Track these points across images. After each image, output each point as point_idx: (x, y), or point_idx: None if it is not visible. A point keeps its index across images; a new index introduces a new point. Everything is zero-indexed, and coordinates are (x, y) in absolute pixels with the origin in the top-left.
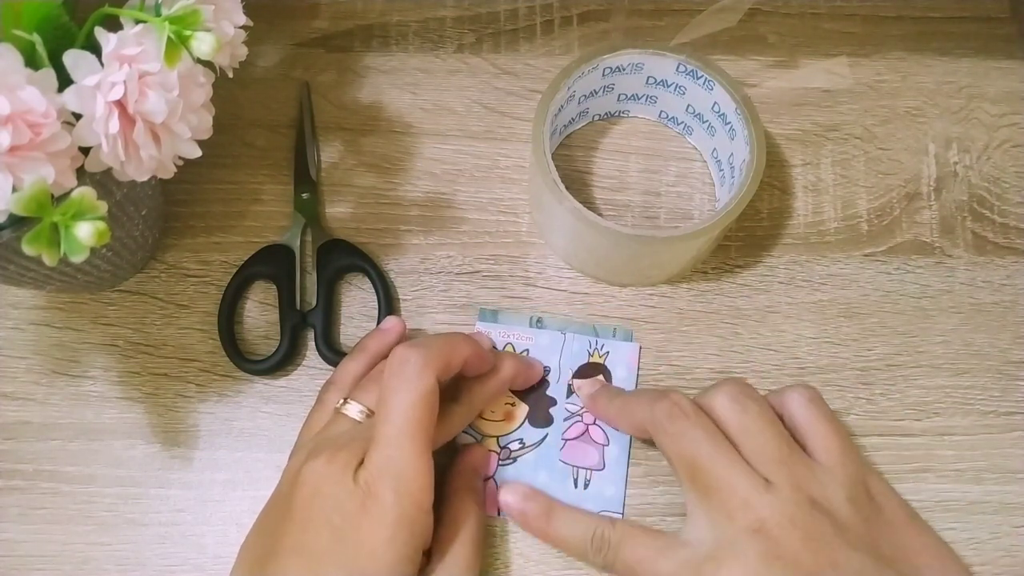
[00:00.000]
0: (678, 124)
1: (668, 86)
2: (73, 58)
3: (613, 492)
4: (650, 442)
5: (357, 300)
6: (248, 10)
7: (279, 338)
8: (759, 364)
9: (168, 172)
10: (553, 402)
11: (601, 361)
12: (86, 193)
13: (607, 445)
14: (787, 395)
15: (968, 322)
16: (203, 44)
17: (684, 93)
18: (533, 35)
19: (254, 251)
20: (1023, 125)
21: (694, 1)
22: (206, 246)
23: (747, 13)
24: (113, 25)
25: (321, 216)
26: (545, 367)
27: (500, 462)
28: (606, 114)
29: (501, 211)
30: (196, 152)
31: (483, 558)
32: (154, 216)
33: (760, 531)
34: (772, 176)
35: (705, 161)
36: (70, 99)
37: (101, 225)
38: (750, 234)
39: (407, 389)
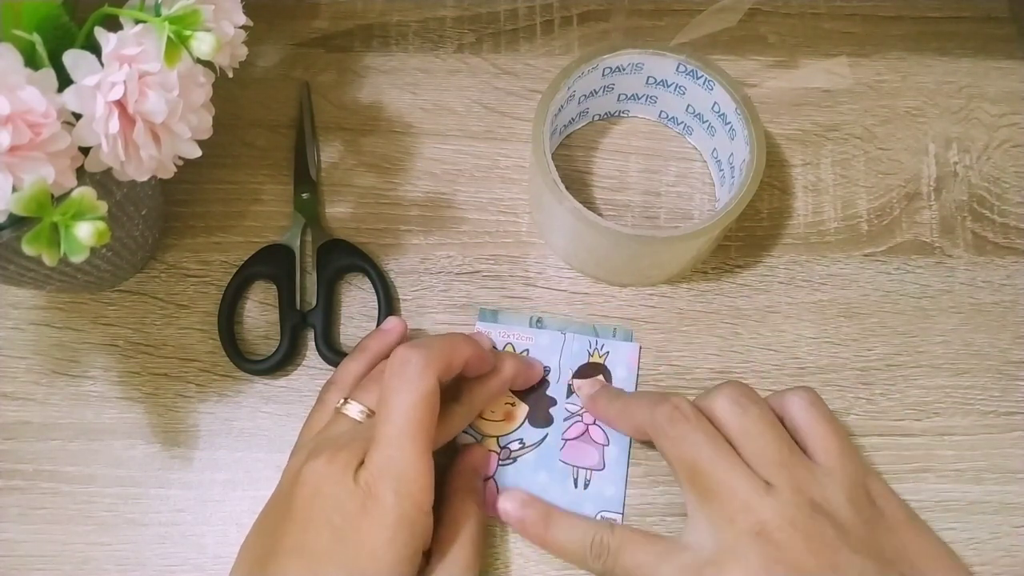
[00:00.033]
0: (678, 124)
1: (668, 86)
2: (73, 58)
3: (613, 492)
4: (650, 443)
5: (357, 300)
6: (248, 10)
7: (279, 338)
8: (759, 364)
9: (168, 172)
10: (553, 402)
11: (601, 361)
12: (86, 193)
13: (607, 445)
14: (787, 397)
15: (968, 322)
16: (203, 44)
17: (684, 93)
18: (533, 35)
19: (254, 251)
20: (1023, 125)
21: (694, 1)
22: (206, 246)
23: (747, 13)
24: (113, 25)
25: (321, 216)
26: (545, 367)
27: (500, 462)
28: (606, 114)
29: (501, 211)
30: (196, 152)
31: (483, 558)
32: (154, 216)
33: (761, 534)
34: (772, 176)
35: (705, 161)
36: (70, 99)
37: (101, 225)
38: (750, 234)
39: (408, 389)
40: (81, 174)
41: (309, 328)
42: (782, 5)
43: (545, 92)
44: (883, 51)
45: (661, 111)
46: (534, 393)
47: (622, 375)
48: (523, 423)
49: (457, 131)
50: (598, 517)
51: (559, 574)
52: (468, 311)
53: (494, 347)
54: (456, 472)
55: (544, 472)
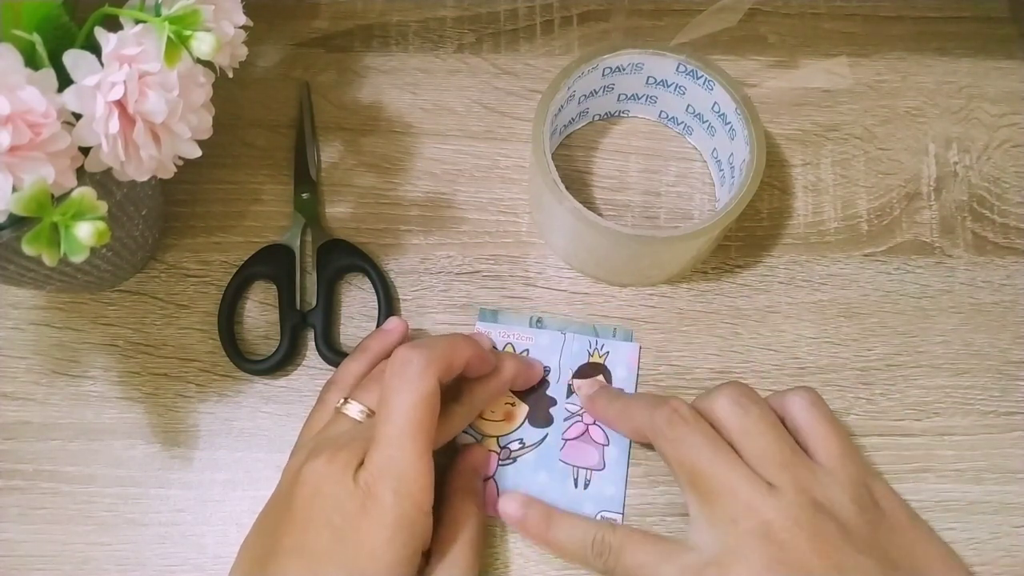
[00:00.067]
0: (678, 124)
1: (668, 86)
2: (73, 58)
3: (613, 492)
4: (649, 445)
5: (357, 300)
6: (248, 10)
7: (279, 338)
8: (759, 364)
9: (168, 172)
10: (553, 402)
11: (601, 361)
12: (86, 193)
13: (607, 445)
14: (788, 398)
15: (968, 322)
16: (203, 44)
17: (684, 93)
18: (533, 35)
19: (254, 251)
20: (1023, 125)
21: (694, 1)
22: (206, 246)
23: (747, 13)
24: (113, 25)
25: (321, 216)
26: (545, 367)
27: (500, 462)
28: (606, 114)
29: (501, 211)
30: (196, 152)
31: (483, 559)
32: (154, 216)
33: (766, 535)
34: (772, 176)
35: (705, 161)
36: (70, 99)
37: (101, 225)
38: (750, 234)
39: (408, 390)
40: (81, 174)
41: (309, 328)
42: (782, 5)
43: (545, 92)
44: (883, 51)
45: (661, 111)
46: (534, 393)
47: (622, 375)
48: (523, 423)
49: (457, 131)
50: (598, 517)
51: (559, 574)
52: (468, 311)
53: (494, 347)
54: (456, 472)
55: (544, 472)
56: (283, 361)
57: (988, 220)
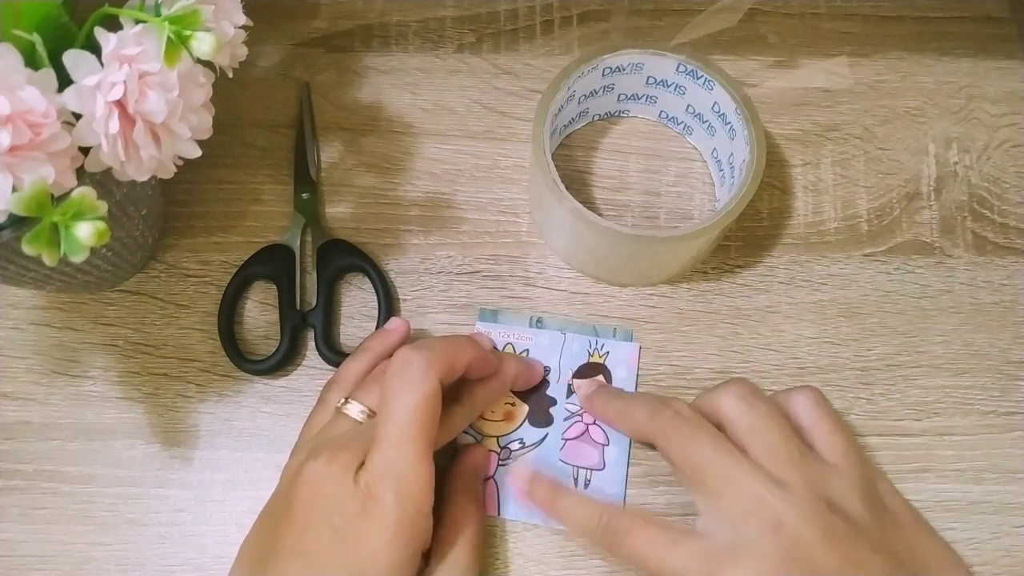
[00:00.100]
0: (678, 124)
1: (668, 86)
2: (73, 58)
3: (613, 492)
4: (650, 445)
5: (357, 300)
6: (248, 10)
7: (279, 338)
8: (759, 364)
9: (168, 172)
10: (553, 402)
11: (601, 361)
12: (86, 193)
13: (607, 445)
14: (792, 396)
15: (968, 322)
16: (203, 44)
17: (684, 93)
18: (533, 35)
19: (254, 251)
20: (1023, 125)
21: (694, 1)
22: (206, 246)
23: (747, 13)
24: (113, 25)
25: (321, 216)
26: (545, 367)
27: (500, 462)
28: (606, 114)
29: (501, 211)
30: (196, 152)
31: (482, 560)
32: (154, 216)
33: (778, 529)
34: (772, 176)
35: (705, 161)
36: (70, 99)
37: (101, 225)
38: (750, 234)
39: (410, 391)
40: (81, 174)
41: (309, 328)
42: (782, 5)
43: (545, 92)
44: (883, 51)
45: (661, 111)
46: (534, 393)
47: (622, 375)
48: (523, 423)
49: (457, 131)
50: None
51: (559, 574)
52: (468, 311)
53: (495, 348)
54: (456, 473)
55: (544, 472)
56: (283, 361)
57: (988, 220)
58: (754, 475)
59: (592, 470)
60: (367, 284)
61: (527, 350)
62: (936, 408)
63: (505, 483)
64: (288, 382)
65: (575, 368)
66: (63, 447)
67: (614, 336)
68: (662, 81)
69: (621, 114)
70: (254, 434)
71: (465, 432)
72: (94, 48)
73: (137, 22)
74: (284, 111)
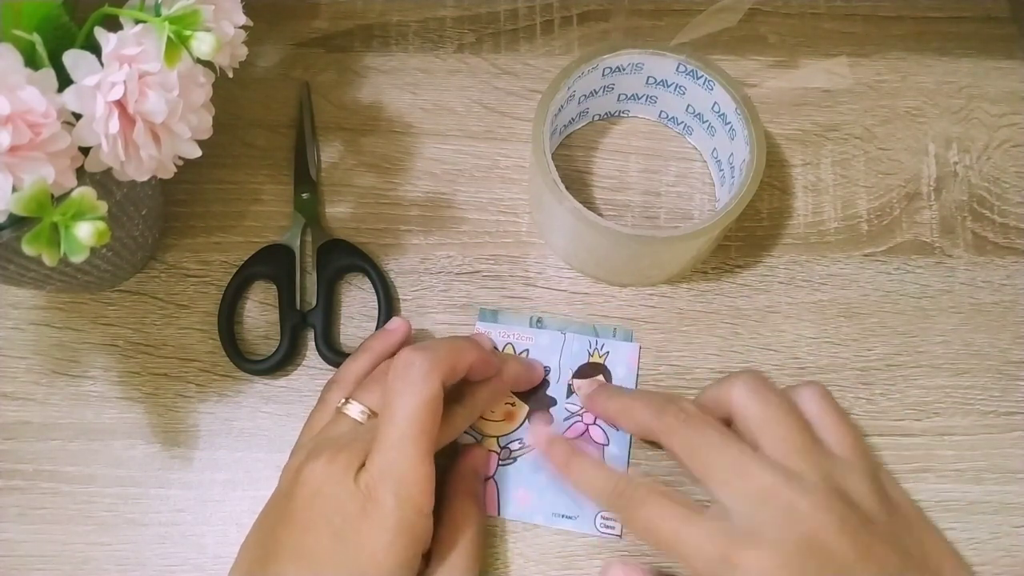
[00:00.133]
0: (678, 124)
1: (668, 86)
2: (73, 58)
3: None
4: (651, 442)
5: (357, 300)
6: (248, 10)
7: (279, 338)
8: (759, 364)
9: (168, 172)
10: (553, 402)
11: (601, 361)
12: (86, 193)
13: (607, 445)
14: (799, 391)
15: (968, 322)
16: (203, 44)
17: (684, 93)
18: (533, 35)
19: (254, 251)
20: (1023, 125)
21: (694, 1)
22: (206, 246)
23: (747, 13)
24: (113, 25)
25: (321, 216)
26: (545, 367)
27: (500, 462)
28: (606, 114)
29: (501, 211)
30: (196, 152)
31: (483, 561)
32: (154, 216)
33: (794, 517)
34: (772, 176)
35: (705, 161)
36: (70, 99)
37: (101, 225)
38: (750, 234)
39: (412, 393)
40: (81, 174)
41: (309, 328)
42: (782, 5)
43: (545, 92)
44: (883, 51)
45: (661, 111)
46: (534, 393)
47: (622, 375)
48: (523, 423)
49: (457, 131)
50: (598, 517)
51: (559, 574)
52: (468, 311)
53: (495, 348)
54: (457, 474)
55: (544, 472)
56: (283, 361)
57: (988, 220)
58: (765, 466)
59: None
60: (367, 284)
61: (527, 350)
62: (936, 408)
63: (525, 439)
64: (288, 382)
65: (575, 368)
66: (63, 447)
67: (614, 336)
68: (662, 81)
69: (621, 114)
70: (254, 434)
71: (465, 432)
72: (94, 48)
73: (137, 22)
74: (284, 111)
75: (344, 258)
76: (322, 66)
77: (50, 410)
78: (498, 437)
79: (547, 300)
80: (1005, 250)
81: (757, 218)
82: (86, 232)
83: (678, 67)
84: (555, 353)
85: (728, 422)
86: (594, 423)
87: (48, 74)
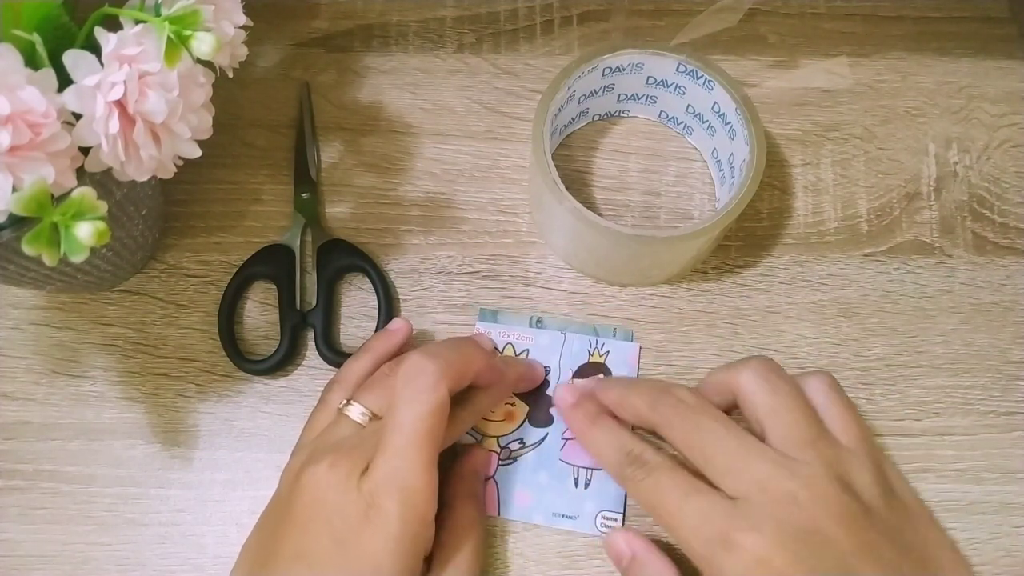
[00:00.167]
0: (678, 124)
1: (668, 86)
2: (73, 58)
3: (614, 491)
4: (652, 432)
5: (357, 300)
6: (248, 10)
7: (279, 338)
8: None
9: (168, 172)
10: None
11: (601, 361)
12: (86, 193)
13: None
14: (807, 380)
15: (968, 322)
16: (203, 44)
17: (684, 93)
18: (533, 35)
19: (254, 251)
20: (1023, 125)
21: (694, 1)
22: (206, 246)
23: (747, 13)
24: (113, 25)
25: (321, 216)
26: (545, 367)
27: (500, 462)
28: (606, 114)
29: (501, 211)
30: (196, 152)
31: (483, 563)
32: (154, 216)
33: (795, 504)
34: (772, 176)
35: (705, 161)
36: (70, 99)
37: (101, 225)
38: (750, 234)
39: (420, 400)
40: (81, 174)
41: (309, 328)
42: (782, 5)
43: (545, 92)
44: (883, 51)
45: (661, 111)
46: (534, 393)
47: (622, 375)
48: (523, 423)
49: (457, 131)
50: (599, 517)
51: (559, 574)
52: (468, 311)
53: (495, 349)
54: (458, 475)
55: (544, 472)
56: (283, 361)
57: (988, 220)
58: (766, 454)
59: (592, 469)
60: (367, 284)
61: (527, 350)
62: (936, 408)
63: (554, 397)
64: (288, 382)
65: (575, 368)
66: (63, 447)
67: (614, 336)
68: (662, 81)
69: (621, 114)
70: (254, 434)
71: (466, 432)
72: (94, 48)
73: (137, 22)
74: (284, 111)
75: (344, 258)
76: (322, 66)
77: (50, 410)
78: (498, 437)
79: (547, 300)
80: (1005, 250)
81: (757, 218)
82: (86, 232)
83: (678, 67)
84: (555, 353)
85: (734, 406)
86: None
87: (48, 74)
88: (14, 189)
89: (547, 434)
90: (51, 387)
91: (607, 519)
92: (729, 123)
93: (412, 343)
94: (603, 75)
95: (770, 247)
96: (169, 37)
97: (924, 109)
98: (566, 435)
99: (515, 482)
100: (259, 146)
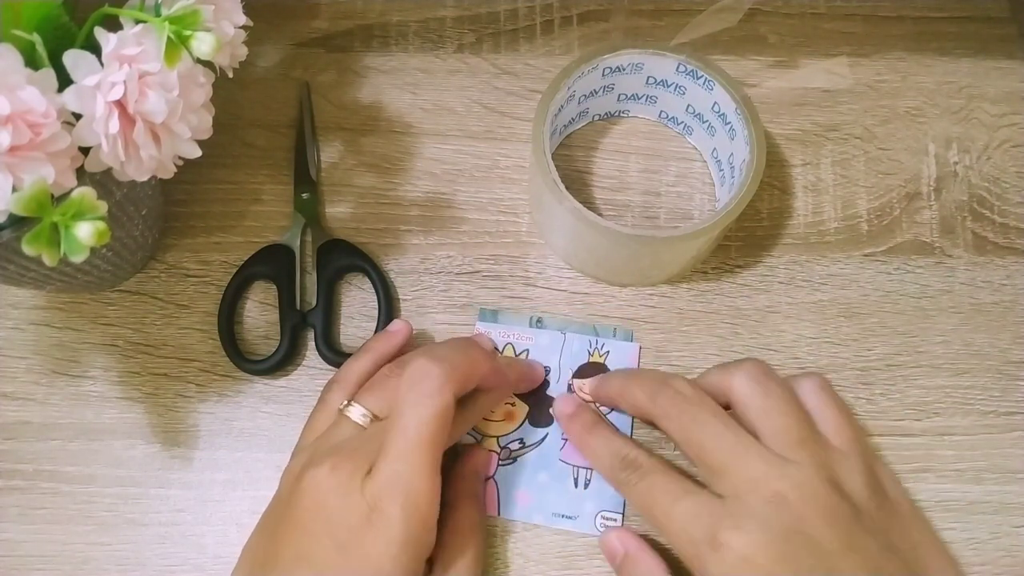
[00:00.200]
0: (678, 124)
1: (668, 86)
2: (73, 58)
3: (613, 492)
4: (652, 423)
5: (357, 300)
6: (248, 10)
7: (279, 338)
8: None
9: (168, 172)
10: (553, 402)
11: (601, 360)
12: (86, 193)
13: None
14: (800, 382)
15: (968, 322)
16: (203, 44)
17: (684, 93)
18: (533, 35)
19: (254, 251)
20: (1023, 125)
21: (694, 1)
22: (206, 246)
23: (747, 13)
24: (113, 25)
25: (321, 216)
26: (545, 367)
27: (500, 462)
28: (606, 114)
29: (501, 211)
30: (196, 152)
31: (484, 564)
32: (154, 216)
33: (783, 505)
34: (772, 176)
35: (705, 161)
36: (70, 99)
37: (101, 225)
38: (750, 234)
39: (425, 404)
40: (81, 174)
41: (309, 328)
42: (782, 5)
43: (545, 92)
44: (883, 51)
45: (661, 111)
46: (535, 393)
47: None
48: (523, 423)
49: (457, 131)
50: (598, 517)
51: (559, 574)
52: (468, 311)
53: (495, 348)
54: (459, 476)
55: (544, 472)
56: (283, 361)
57: (988, 220)
58: (759, 453)
59: (592, 469)
60: (367, 284)
61: (527, 350)
62: (936, 408)
63: (554, 407)
64: (288, 382)
65: (575, 368)
66: (63, 447)
67: (614, 336)
68: (662, 81)
69: (621, 114)
70: (254, 434)
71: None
72: (94, 48)
73: (137, 22)
74: (284, 111)
75: (344, 258)
76: (322, 66)
77: (50, 410)
78: (498, 437)
79: (547, 300)
80: (1005, 250)
81: (757, 218)
82: (86, 232)
83: (678, 67)
84: (555, 353)
85: (726, 408)
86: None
87: (48, 74)
88: (14, 189)
89: (547, 434)
90: (51, 387)
91: (607, 519)
92: (729, 123)
93: (412, 344)
94: (603, 75)
95: (770, 247)
96: (169, 37)
97: (924, 109)
98: (566, 435)
99: (515, 482)
100: (259, 146)
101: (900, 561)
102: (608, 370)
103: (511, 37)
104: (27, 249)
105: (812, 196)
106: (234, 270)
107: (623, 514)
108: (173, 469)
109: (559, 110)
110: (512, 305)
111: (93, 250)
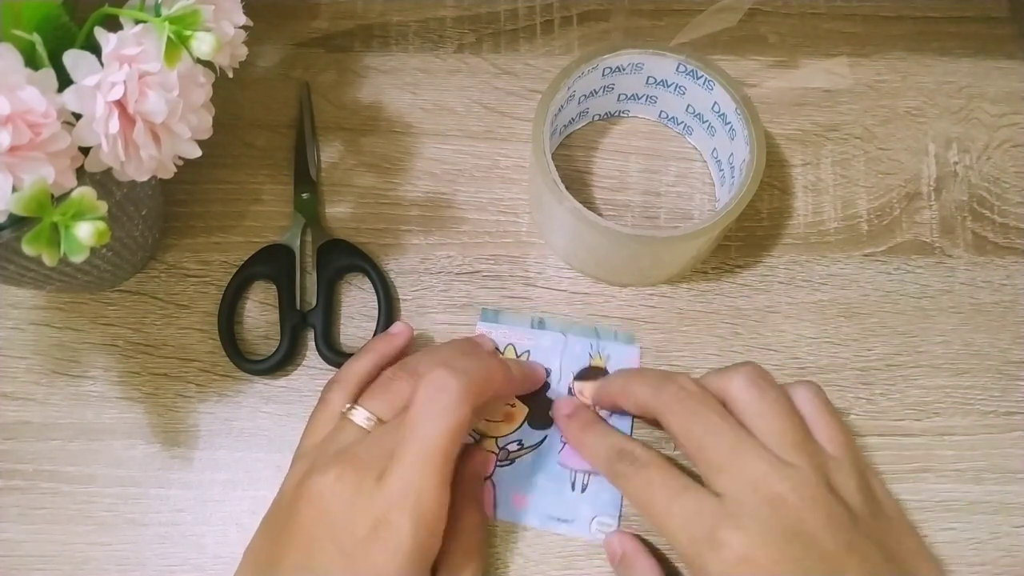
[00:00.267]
0: (678, 124)
1: (668, 86)
2: (73, 58)
3: (610, 496)
4: (654, 422)
5: (357, 300)
6: (248, 10)
7: (279, 338)
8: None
9: (168, 172)
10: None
11: (602, 364)
12: (86, 193)
13: None
14: (795, 389)
15: (968, 322)
16: (203, 44)
17: (684, 93)
18: (533, 35)
19: (254, 251)
20: (1023, 125)
21: (694, 1)
22: (206, 246)
23: (747, 13)
24: (113, 25)
25: (321, 216)
26: (546, 369)
27: (498, 463)
28: (606, 114)
29: (501, 211)
30: (196, 152)
31: (487, 568)
32: (154, 216)
33: (783, 505)
34: (772, 176)
35: (705, 161)
36: (70, 99)
37: (101, 225)
38: (750, 234)
39: (442, 417)
40: (81, 174)
41: (309, 328)
42: (782, 5)
43: (545, 92)
44: (883, 51)
45: (661, 111)
46: (535, 395)
47: None
48: (523, 424)
49: (457, 131)
50: (594, 522)
51: (559, 574)
52: (468, 311)
53: (496, 349)
54: (461, 478)
55: (542, 474)
56: (283, 361)
57: (988, 220)
58: (759, 453)
59: (590, 473)
60: (367, 284)
61: (528, 351)
62: (936, 408)
63: (553, 409)
64: (288, 382)
65: (576, 371)
66: (63, 447)
67: (615, 339)
68: (662, 81)
69: (621, 114)
70: (254, 434)
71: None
72: (94, 48)
73: (137, 22)
74: (284, 111)
75: (344, 258)
76: (322, 66)
77: (50, 410)
78: (496, 438)
79: (547, 300)
80: (1005, 250)
81: (757, 218)
82: (86, 232)
83: (678, 67)
84: (556, 355)
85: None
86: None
87: (48, 74)
88: (14, 189)
89: (546, 436)
90: (51, 387)
91: (602, 523)
92: (729, 123)
93: (414, 347)
94: (603, 75)
95: (770, 247)
96: (169, 37)
97: (924, 109)
98: (563, 436)
99: (512, 484)
100: (259, 146)
101: (896, 566)
102: (609, 374)
103: (511, 37)
104: (27, 249)
105: (812, 196)
106: (234, 270)
107: (620, 518)
108: (173, 469)
109: (559, 110)
110: (512, 305)
111: (93, 250)
